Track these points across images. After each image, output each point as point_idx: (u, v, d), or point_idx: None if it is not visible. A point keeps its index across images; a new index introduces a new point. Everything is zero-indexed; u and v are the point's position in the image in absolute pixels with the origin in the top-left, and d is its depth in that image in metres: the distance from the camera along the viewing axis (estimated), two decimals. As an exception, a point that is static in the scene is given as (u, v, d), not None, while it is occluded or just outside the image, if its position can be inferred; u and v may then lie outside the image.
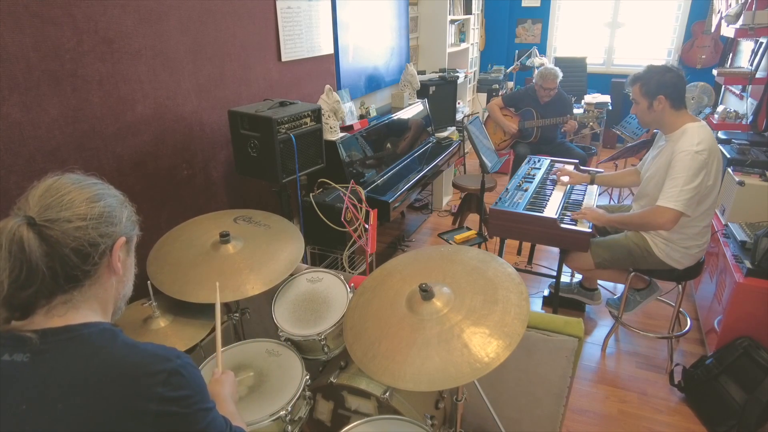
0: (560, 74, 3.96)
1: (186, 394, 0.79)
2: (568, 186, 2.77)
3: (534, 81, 4.10)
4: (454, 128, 4.47)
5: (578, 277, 3.01)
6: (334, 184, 2.65)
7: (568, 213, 2.44)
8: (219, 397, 1.13)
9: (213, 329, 1.58)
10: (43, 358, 0.76)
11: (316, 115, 2.24)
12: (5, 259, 0.75)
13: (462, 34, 5.44)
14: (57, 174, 0.85)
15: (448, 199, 4.68)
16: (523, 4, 6.30)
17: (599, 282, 2.94)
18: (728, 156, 2.91)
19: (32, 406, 0.73)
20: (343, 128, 2.96)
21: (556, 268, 2.60)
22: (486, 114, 4.55)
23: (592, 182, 2.78)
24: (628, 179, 2.63)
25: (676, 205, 2.01)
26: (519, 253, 3.60)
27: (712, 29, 5.13)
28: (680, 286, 2.40)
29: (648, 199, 2.26)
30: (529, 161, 3.19)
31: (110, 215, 0.85)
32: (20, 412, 0.73)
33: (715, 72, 4.22)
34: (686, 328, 2.60)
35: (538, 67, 5.44)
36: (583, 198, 2.66)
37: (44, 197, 0.80)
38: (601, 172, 2.91)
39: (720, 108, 4.23)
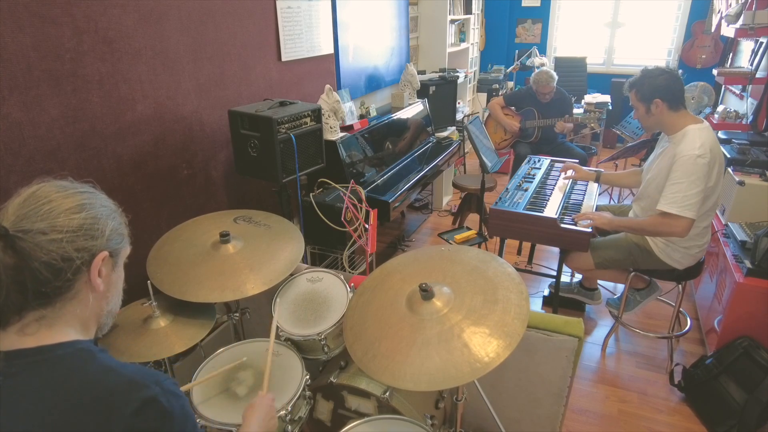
0: (555, 76, 3.98)
1: (158, 426, 0.74)
2: (569, 185, 2.77)
3: (530, 84, 4.11)
4: (454, 128, 4.47)
5: (578, 276, 3.01)
6: (334, 184, 2.65)
7: (569, 213, 2.44)
8: (245, 420, 1.10)
9: (213, 329, 1.59)
10: (14, 382, 0.72)
11: (316, 114, 2.24)
12: None
13: (462, 34, 5.44)
14: (45, 180, 0.80)
15: (448, 199, 4.68)
16: (523, 4, 6.30)
17: (599, 282, 2.94)
18: (728, 156, 2.90)
19: (2, 429, 0.69)
20: (343, 128, 2.96)
21: (556, 268, 2.60)
22: (486, 113, 4.55)
23: (597, 180, 2.77)
24: (632, 179, 2.62)
25: (683, 211, 1.99)
26: (519, 253, 3.60)
27: (712, 29, 5.13)
28: (680, 286, 2.40)
29: (648, 201, 2.25)
30: (529, 161, 3.19)
31: (91, 228, 0.79)
32: None
33: (715, 72, 4.22)
34: (686, 328, 2.60)
35: (538, 67, 5.44)
36: (583, 198, 2.66)
37: (23, 206, 0.75)
38: (602, 172, 2.91)
39: (720, 108, 4.23)
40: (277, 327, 1.59)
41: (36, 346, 0.75)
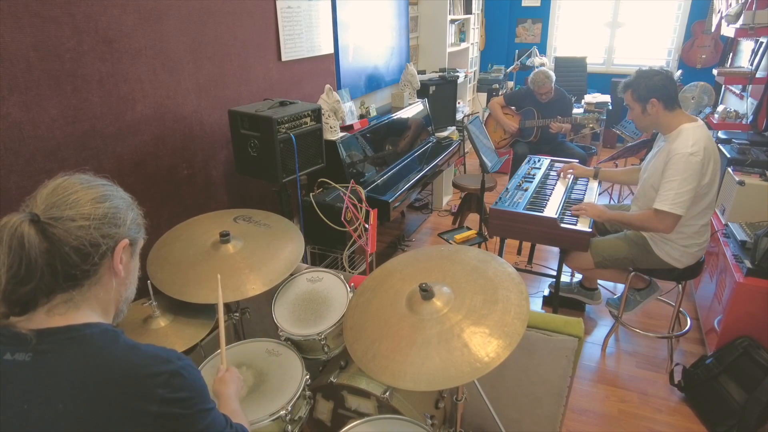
0: (552, 76, 3.98)
1: (186, 395, 0.80)
2: (569, 184, 2.77)
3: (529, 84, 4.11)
4: (454, 128, 4.47)
5: (578, 276, 3.01)
6: (334, 184, 2.65)
7: (569, 212, 2.44)
8: (222, 396, 1.14)
9: (214, 328, 1.58)
10: (45, 358, 0.76)
11: (316, 114, 2.24)
12: (5, 254, 0.75)
13: (462, 34, 5.44)
14: (68, 173, 0.86)
15: (448, 198, 4.68)
16: (523, 4, 6.30)
17: (599, 282, 2.94)
18: (728, 156, 2.91)
19: (33, 406, 0.73)
20: (343, 128, 2.96)
21: (556, 268, 2.60)
22: (486, 113, 4.55)
23: (595, 176, 2.81)
24: (630, 176, 2.64)
25: (674, 208, 2.03)
26: (519, 252, 3.60)
27: (713, 29, 5.13)
28: (680, 285, 2.40)
29: (645, 200, 2.26)
30: (529, 161, 3.19)
31: (114, 216, 0.85)
32: (22, 412, 0.73)
33: (715, 72, 4.22)
34: (686, 328, 2.60)
35: (538, 67, 5.44)
36: (584, 198, 2.66)
37: (51, 195, 0.81)
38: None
39: (720, 108, 4.23)
40: (277, 326, 1.59)
41: (66, 325, 0.80)
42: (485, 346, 1.15)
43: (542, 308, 3.02)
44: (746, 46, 4.31)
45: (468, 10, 5.43)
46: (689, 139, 2.02)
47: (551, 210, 2.42)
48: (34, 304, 0.80)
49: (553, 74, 3.99)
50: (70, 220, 0.79)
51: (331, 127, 2.77)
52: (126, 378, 0.76)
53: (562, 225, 2.32)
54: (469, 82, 5.85)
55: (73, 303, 0.82)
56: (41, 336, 0.78)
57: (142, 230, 0.95)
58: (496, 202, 2.50)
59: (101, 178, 0.90)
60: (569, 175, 2.86)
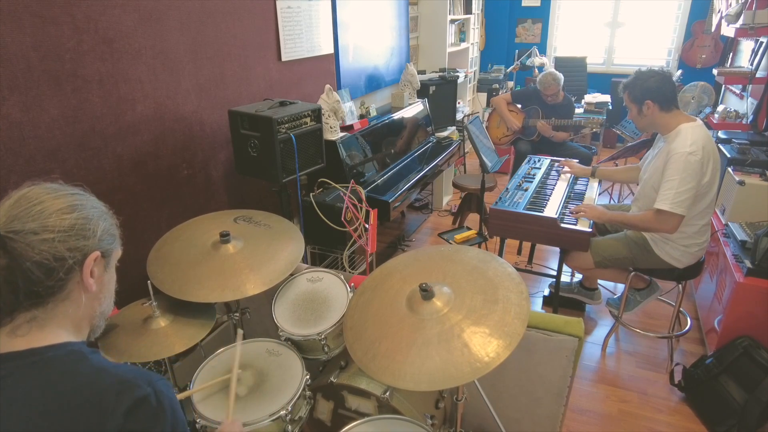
0: (560, 77, 3.96)
1: (150, 426, 0.74)
2: (569, 184, 2.77)
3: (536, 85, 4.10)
4: (454, 128, 4.47)
5: (578, 276, 3.01)
6: (334, 184, 2.65)
7: (569, 212, 2.44)
8: None
9: (214, 329, 1.58)
10: (5, 384, 0.71)
11: (316, 114, 2.24)
12: None
13: (462, 34, 5.44)
14: (35, 182, 0.80)
15: (448, 198, 4.68)
16: (523, 4, 6.30)
17: (599, 282, 2.94)
18: (728, 156, 2.91)
19: None
20: (343, 128, 2.96)
21: (556, 268, 2.60)
22: (487, 113, 4.55)
23: (593, 175, 2.83)
24: (629, 174, 2.65)
25: (674, 208, 2.03)
26: (519, 252, 3.60)
27: (713, 29, 5.13)
28: (680, 285, 2.40)
29: (645, 201, 2.26)
30: (529, 161, 3.19)
31: (83, 228, 0.79)
32: None
33: (715, 71, 4.22)
34: (686, 328, 2.60)
35: (538, 67, 5.45)
36: (584, 198, 2.66)
37: (14, 207, 0.75)
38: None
39: (720, 108, 4.23)
40: (277, 326, 1.59)
41: (27, 348, 0.75)
42: (485, 346, 1.15)
43: (542, 308, 3.02)
44: (746, 46, 4.31)
45: (468, 10, 5.43)
46: (687, 139, 2.03)
47: (551, 210, 2.42)
48: None
49: (561, 77, 3.96)
50: (32, 233, 0.74)
51: (331, 127, 2.77)
52: (87, 404, 0.71)
53: (562, 225, 2.32)
54: (469, 82, 5.85)
55: (36, 322, 0.77)
56: (2, 360, 0.73)
57: (117, 240, 0.88)
58: (496, 202, 2.50)
59: (72, 186, 0.84)
60: (567, 174, 2.88)
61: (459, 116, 4.71)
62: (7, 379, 0.72)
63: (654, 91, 2.10)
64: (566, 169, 2.90)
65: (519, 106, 4.25)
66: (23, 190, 0.78)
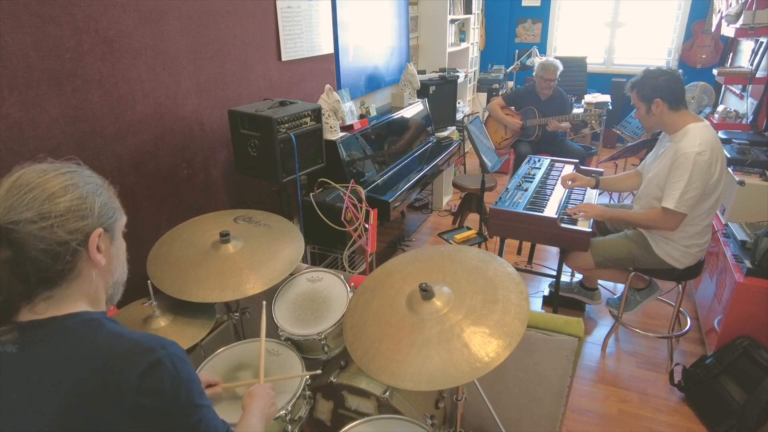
0: (560, 66, 3.97)
1: (165, 387, 0.75)
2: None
3: (534, 74, 4.09)
4: (454, 128, 4.46)
5: (578, 276, 3.01)
6: (334, 184, 2.65)
7: (569, 214, 2.44)
8: (245, 408, 1.11)
9: (213, 328, 1.59)
10: (29, 350, 0.75)
11: (316, 114, 2.24)
12: None
13: (462, 34, 5.44)
14: (24, 165, 0.80)
15: (448, 198, 4.68)
16: (523, 4, 6.30)
17: (599, 282, 2.94)
18: (728, 156, 2.90)
19: (20, 397, 0.73)
20: (343, 128, 2.96)
21: (556, 268, 2.60)
22: (486, 114, 4.55)
23: (596, 186, 2.68)
24: (630, 182, 2.59)
25: (679, 207, 2.03)
26: (519, 252, 3.60)
27: (713, 29, 5.13)
28: (680, 285, 2.40)
29: (648, 199, 2.26)
30: (529, 161, 3.19)
31: (79, 208, 0.78)
32: (11, 402, 0.73)
33: (715, 72, 4.22)
34: (686, 328, 2.60)
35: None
36: (583, 198, 2.65)
37: (7, 197, 0.75)
38: (602, 172, 2.91)
39: (720, 108, 4.23)
40: (277, 326, 1.59)
41: (48, 317, 0.78)
42: (485, 346, 1.15)
43: (542, 308, 3.02)
44: (746, 46, 4.31)
45: (468, 10, 5.43)
46: (696, 139, 2.02)
47: (551, 210, 2.41)
48: (15, 310, 0.77)
49: (560, 65, 3.97)
50: (30, 222, 0.74)
51: (331, 127, 2.77)
52: (104, 367, 0.74)
53: (562, 225, 2.32)
54: (469, 82, 5.85)
55: (53, 300, 0.79)
56: (25, 329, 0.76)
57: (119, 211, 0.88)
58: (496, 202, 2.50)
59: (65, 161, 0.83)
60: (570, 186, 2.70)
61: (459, 116, 4.71)
62: (32, 345, 0.75)
63: (664, 90, 2.09)
64: (571, 182, 2.68)
65: (513, 108, 4.25)
66: (13, 177, 0.78)
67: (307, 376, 1.46)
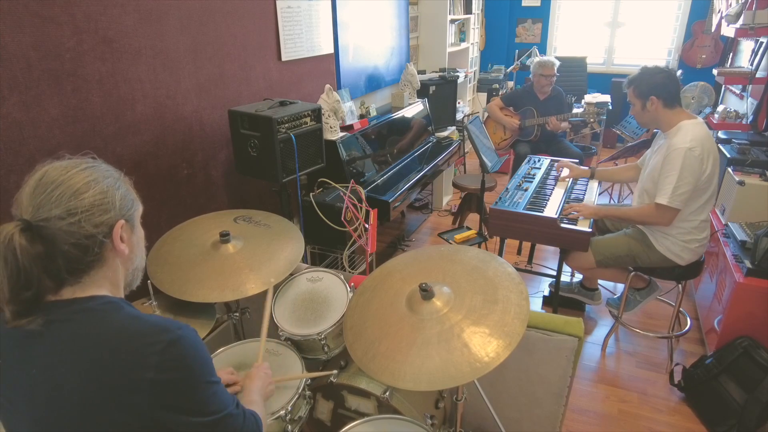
0: (557, 61, 3.99)
1: (183, 364, 0.80)
2: (569, 184, 2.77)
3: (532, 73, 4.09)
4: (454, 128, 4.46)
5: (578, 276, 3.01)
6: (334, 184, 2.65)
7: (563, 212, 2.44)
8: (245, 388, 1.17)
9: (214, 328, 1.59)
10: (53, 328, 0.79)
11: (316, 114, 2.24)
12: (2, 267, 0.76)
13: (462, 34, 5.44)
14: (45, 163, 0.83)
15: (448, 198, 4.68)
16: (523, 4, 6.30)
17: (599, 281, 2.94)
18: (728, 156, 2.91)
19: (41, 372, 0.78)
20: (343, 128, 2.96)
21: (556, 268, 2.60)
22: (486, 114, 4.55)
23: (592, 176, 2.82)
24: (627, 174, 2.67)
25: (672, 202, 2.07)
26: (519, 252, 3.60)
27: (713, 29, 5.13)
28: (680, 285, 2.40)
29: (645, 196, 2.28)
30: (529, 161, 3.19)
31: (102, 202, 0.83)
32: (31, 376, 0.78)
33: (715, 72, 4.21)
34: (686, 328, 2.60)
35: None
36: (584, 198, 2.66)
37: (35, 195, 0.80)
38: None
39: (720, 108, 4.22)
40: (276, 323, 1.59)
41: (72, 298, 0.83)
42: (485, 346, 1.15)
43: (542, 308, 3.02)
44: (746, 46, 4.31)
45: (468, 10, 5.43)
46: (687, 135, 2.06)
47: (551, 210, 2.41)
48: (42, 299, 0.81)
49: (557, 62, 4.00)
50: (59, 218, 0.79)
51: (331, 127, 2.77)
52: (124, 346, 0.78)
53: (562, 225, 2.32)
54: (469, 82, 5.85)
55: (79, 286, 0.84)
56: (49, 308, 0.80)
57: (136, 201, 0.93)
58: (496, 202, 2.50)
59: (81, 157, 0.87)
60: (565, 177, 2.83)
61: (459, 116, 4.71)
62: (56, 323, 0.80)
63: (659, 87, 2.13)
64: (565, 172, 2.84)
65: (511, 109, 4.25)
66: (37, 174, 0.82)
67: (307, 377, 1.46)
